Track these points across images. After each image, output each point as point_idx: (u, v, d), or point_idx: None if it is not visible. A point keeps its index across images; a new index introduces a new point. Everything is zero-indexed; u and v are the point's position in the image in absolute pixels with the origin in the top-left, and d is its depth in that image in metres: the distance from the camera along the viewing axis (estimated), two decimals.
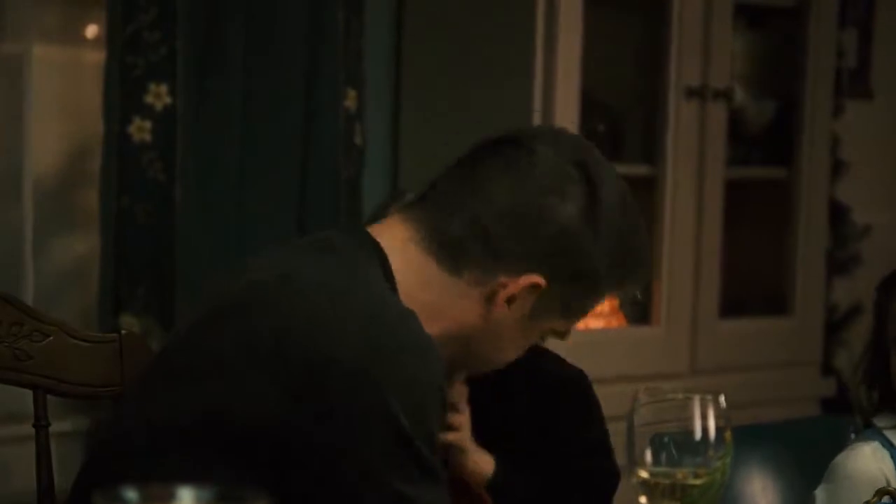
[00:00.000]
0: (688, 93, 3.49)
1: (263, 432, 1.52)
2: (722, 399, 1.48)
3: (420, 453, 1.53)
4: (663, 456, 1.47)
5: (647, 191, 3.48)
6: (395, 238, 1.66)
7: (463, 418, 1.83)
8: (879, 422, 2.05)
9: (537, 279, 1.65)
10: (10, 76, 2.98)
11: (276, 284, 1.60)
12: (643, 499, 1.48)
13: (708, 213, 3.57)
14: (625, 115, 3.61)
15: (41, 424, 1.84)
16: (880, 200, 4.27)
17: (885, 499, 1.69)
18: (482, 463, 1.86)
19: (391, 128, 3.45)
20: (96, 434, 1.68)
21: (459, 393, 1.82)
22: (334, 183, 3.14)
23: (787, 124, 3.82)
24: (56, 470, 1.85)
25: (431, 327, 1.59)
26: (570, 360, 1.96)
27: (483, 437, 1.88)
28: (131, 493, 0.96)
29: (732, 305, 3.71)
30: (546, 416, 1.92)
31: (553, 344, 1.88)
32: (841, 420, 2.29)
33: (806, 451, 2.36)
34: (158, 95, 2.93)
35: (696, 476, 1.47)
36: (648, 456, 1.47)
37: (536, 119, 3.24)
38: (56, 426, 1.90)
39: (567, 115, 3.25)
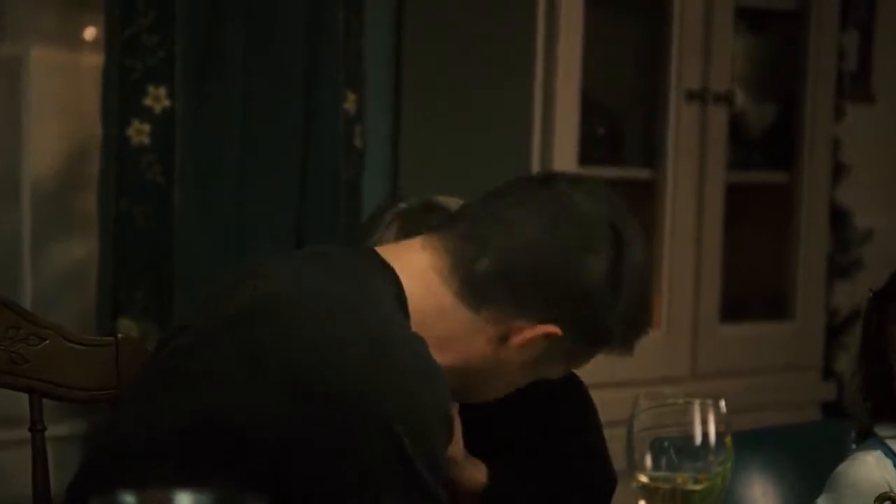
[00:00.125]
0: (688, 95, 3.49)
1: (264, 444, 1.51)
2: (722, 404, 1.47)
3: (421, 475, 1.52)
4: (663, 461, 1.46)
5: (647, 194, 3.47)
6: (414, 263, 1.65)
7: (456, 432, 1.82)
8: (881, 431, 2.05)
9: (555, 330, 1.66)
10: (9, 78, 2.98)
11: (286, 299, 1.59)
12: (642, 503, 1.47)
13: (708, 217, 3.57)
14: (625, 117, 3.60)
15: (37, 428, 1.84)
16: (882, 204, 4.27)
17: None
18: (475, 473, 1.86)
19: (392, 129, 3.45)
20: (93, 438, 1.66)
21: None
22: (334, 185, 3.13)
23: (787, 127, 3.81)
24: (52, 474, 1.84)
25: (439, 356, 1.59)
26: None
27: (479, 443, 1.87)
28: (129, 498, 0.96)
29: (733, 309, 3.71)
30: (542, 420, 1.91)
31: None
32: (842, 424, 2.28)
33: (807, 456, 2.36)
34: (157, 98, 2.93)
35: (697, 481, 1.46)
36: (648, 461, 1.46)
37: (536, 122, 3.23)
38: (52, 430, 1.89)
39: (567, 118, 3.25)
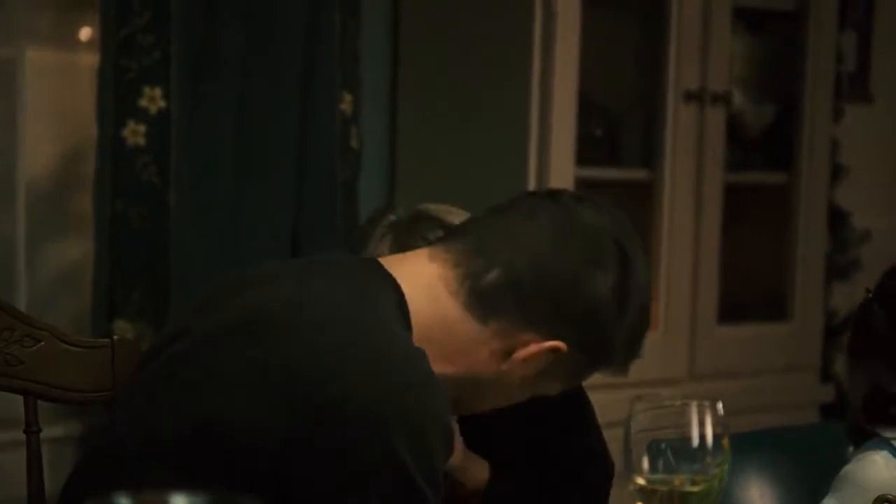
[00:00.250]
0: (686, 96, 3.48)
1: (262, 456, 1.51)
2: (719, 405, 1.47)
3: (421, 490, 1.52)
4: (661, 462, 1.46)
5: (645, 195, 3.47)
6: (421, 274, 1.65)
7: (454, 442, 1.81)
8: (885, 432, 2.04)
9: (560, 345, 1.66)
10: (4, 80, 2.98)
11: (288, 310, 1.58)
12: None
13: (706, 218, 3.56)
14: (623, 118, 3.60)
15: (32, 430, 1.83)
16: (880, 205, 4.26)
17: None
18: (478, 472, 1.85)
19: (388, 130, 3.44)
20: (88, 439, 1.66)
21: None
22: (331, 186, 3.12)
23: (786, 128, 3.81)
24: (47, 476, 1.84)
25: (441, 367, 1.59)
26: None
27: (479, 443, 1.87)
28: (124, 499, 0.95)
29: (731, 310, 3.70)
30: (541, 420, 1.91)
31: None
32: (840, 426, 2.27)
33: (805, 458, 2.35)
34: (152, 99, 2.92)
35: (694, 483, 1.46)
36: (646, 463, 1.46)
37: (534, 123, 3.23)
38: (47, 432, 1.89)
39: (564, 118, 3.24)
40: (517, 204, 1.72)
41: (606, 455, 1.95)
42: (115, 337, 1.88)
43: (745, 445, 2.20)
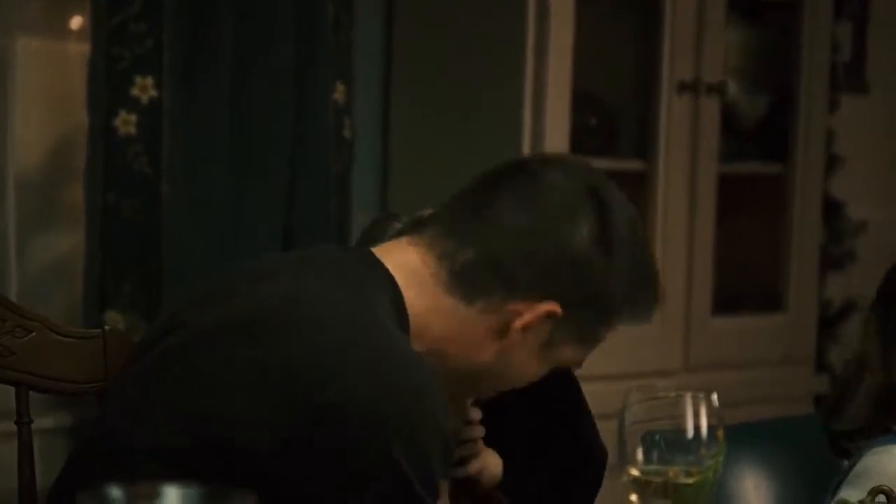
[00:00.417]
0: (680, 87, 3.48)
1: (259, 456, 1.50)
2: (714, 397, 1.46)
3: (417, 495, 1.52)
4: (655, 454, 1.45)
5: (639, 186, 3.46)
6: (404, 263, 1.64)
7: (479, 429, 1.82)
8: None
9: (553, 307, 1.63)
10: None
11: (288, 309, 1.57)
12: (634, 497, 1.46)
13: (701, 209, 3.56)
14: (617, 109, 3.59)
15: (23, 421, 1.82)
16: (875, 196, 4.26)
17: (880, 497, 1.67)
18: (493, 466, 1.85)
19: (381, 122, 3.43)
20: (81, 432, 1.65)
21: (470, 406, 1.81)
22: (324, 177, 3.12)
23: (781, 119, 3.80)
24: (38, 467, 1.83)
25: (445, 357, 1.60)
26: None
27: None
28: (116, 492, 0.94)
29: (726, 302, 3.70)
30: (533, 409, 1.91)
31: None
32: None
33: (799, 449, 2.35)
34: (144, 88, 2.92)
35: (688, 474, 1.45)
36: (640, 454, 1.45)
37: (528, 113, 3.22)
38: (39, 423, 1.88)
39: (558, 110, 3.24)
40: (483, 180, 1.70)
41: (599, 444, 1.95)
42: (107, 328, 1.87)
43: (740, 437, 2.19)
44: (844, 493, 1.98)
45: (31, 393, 1.83)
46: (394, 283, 1.62)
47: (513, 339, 1.64)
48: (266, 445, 1.49)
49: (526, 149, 3.23)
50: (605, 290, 1.66)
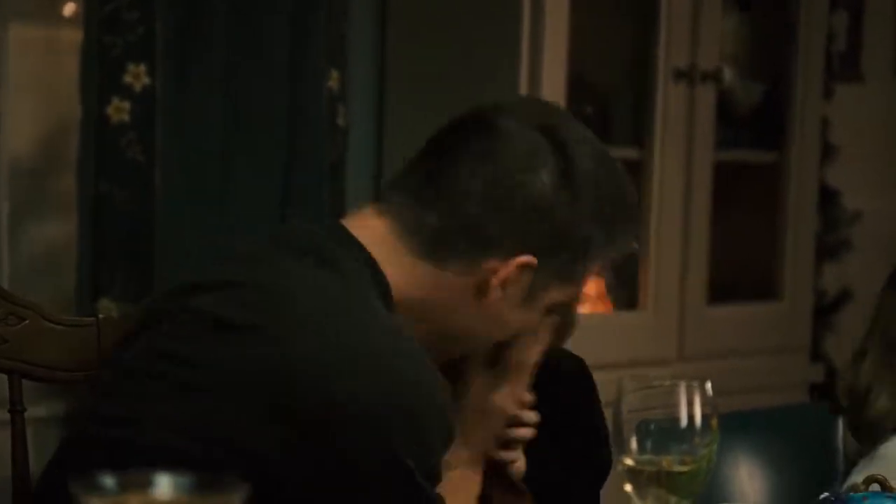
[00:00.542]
0: (676, 74, 3.47)
1: (264, 461, 1.50)
2: (708, 386, 1.46)
3: (420, 485, 1.52)
4: (649, 443, 1.45)
5: (634, 174, 3.44)
6: (377, 233, 1.63)
7: (532, 415, 1.79)
8: None
9: (527, 259, 1.62)
10: None
11: (283, 310, 1.56)
12: (628, 486, 1.46)
13: (696, 197, 3.55)
14: (612, 96, 3.58)
15: (16, 409, 1.82)
16: (871, 185, 4.26)
17: (874, 486, 1.67)
18: (521, 464, 1.84)
19: (375, 110, 3.42)
20: (70, 420, 1.64)
21: (526, 434, 1.80)
22: (318, 164, 3.11)
23: (776, 107, 3.79)
24: (31, 455, 1.82)
25: (433, 323, 1.59)
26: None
27: None
28: (109, 481, 0.95)
29: (721, 291, 3.70)
30: (548, 403, 1.90)
31: None
32: (829, 407, 2.27)
33: (794, 438, 2.35)
34: (137, 76, 2.91)
35: (683, 463, 1.45)
36: (634, 443, 1.45)
37: None
38: (32, 411, 1.87)
39: (554, 97, 3.22)
40: (439, 139, 1.69)
41: (607, 443, 1.94)
42: (100, 316, 1.87)
43: (735, 425, 2.19)
44: (856, 477, 1.98)
45: (24, 381, 1.82)
46: (371, 259, 1.61)
47: (493, 295, 1.63)
48: (267, 446, 1.49)
49: None
50: (576, 231, 1.64)
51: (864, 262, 4.22)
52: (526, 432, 1.78)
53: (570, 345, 1.97)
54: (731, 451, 2.25)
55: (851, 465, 2.11)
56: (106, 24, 2.87)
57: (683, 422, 1.45)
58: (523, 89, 3.21)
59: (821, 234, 4.01)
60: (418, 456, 1.51)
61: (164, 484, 0.96)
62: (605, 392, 1.72)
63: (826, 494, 1.66)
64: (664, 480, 1.45)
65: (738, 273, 3.83)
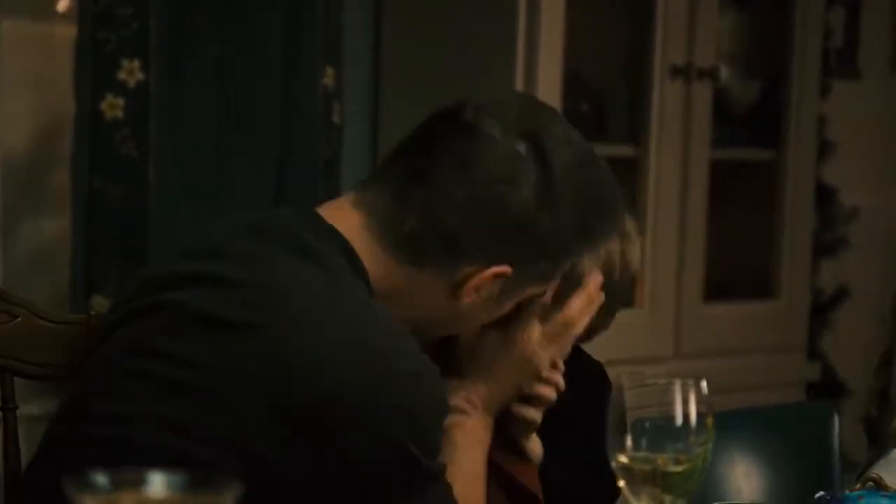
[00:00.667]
0: (672, 71, 3.46)
1: (264, 459, 1.50)
2: (703, 384, 1.45)
3: (425, 466, 1.54)
4: (644, 441, 1.44)
5: (630, 172, 3.45)
6: (352, 227, 1.62)
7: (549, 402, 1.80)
8: None
9: (502, 269, 1.63)
10: None
11: (275, 306, 1.55)
12: (622, 485, 1.45)
13: (692, 195, 3.54)
14: (609, 93, 3.57)
15: (8, 407, 1.82)
16: (868, 182, 4.25)
17: (869, 485, 1.66)
18: (536, 449, 1.85)
19: (371, 107, 3.42)
20: (61, 417, 1.63)
21: (550, 394, 1.80)
22: (313, 162, 3.10)
23: (773, 104, 3.79)
24: (24, 453, 1.81)
25: (403, 313, 1.59)
26: None
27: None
28: (102, 478, 0.95)
29: (717, 289, 3.69)
30: (572, 405, 1.90)
31: None
32: (826, 405, 2.27)
33: (790, 436, 2.34)
34: (131, 72, 2.90)
35: (678, 462, 1.44)
36: (629, 441, 1.44)
37: None
38: (24, 409, 1.87)
39: (550, 94, 3.22)
40: (420, 136, 1.67)
41: None
42: (92, 313, 1.86)
43: (731, 424, 2.19)
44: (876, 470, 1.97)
45: (16, 378, 1.82)
46: (351, 250, 1.60)
47: (466, 298, 1.64)
48: (266, 444, 1.49)
49: None
50: (554, 242, 1.65)
51: (861, 260, 4.21)
52: (550, 392, 1.78)
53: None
54: (727, 450, 2.24)
55: (849, 464, 2.10)
56: (100, 20, 2.87)
57: (679, 420, 1.44)
58: (519, 86, 3.20)
59: (818, 231, 4.00)
60: (422, 443, 1.53)
61: (157, 482, 0.96)
62: None
63: (822, 493, 1.65)
64: (659, 479, 1.44)
65: (735, 271, 3.83)
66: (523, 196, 1.61)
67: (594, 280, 1.75)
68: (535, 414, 1.79)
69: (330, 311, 1.55)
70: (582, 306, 1.74)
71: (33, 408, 2.68)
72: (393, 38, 3.42)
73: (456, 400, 1.68)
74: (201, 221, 2.94)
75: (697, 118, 3.53)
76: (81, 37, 2.88)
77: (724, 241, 3.73)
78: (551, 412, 1.84)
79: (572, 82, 3.33)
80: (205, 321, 1.56)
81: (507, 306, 1.70)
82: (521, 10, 3.21)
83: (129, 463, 1.47)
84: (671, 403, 1.44)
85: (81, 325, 1.83)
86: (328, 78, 3.14)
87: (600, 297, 1.76)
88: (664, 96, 3.47)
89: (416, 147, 1.66)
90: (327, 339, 1.53)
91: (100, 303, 2.87)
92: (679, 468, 1.44)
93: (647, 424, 1.44)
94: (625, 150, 3.47)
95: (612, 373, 1.52)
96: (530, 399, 1.78)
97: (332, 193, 3.15)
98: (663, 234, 3.51)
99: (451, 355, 1.75)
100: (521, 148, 1.61)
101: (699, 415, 1.44)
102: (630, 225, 1.88)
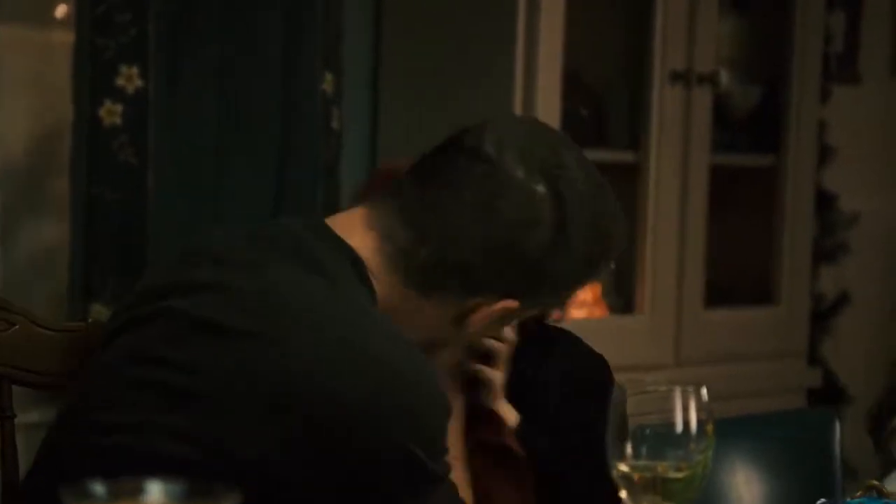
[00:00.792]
0: (672, 77, 3.46)
1: (266, 466, 1.50)
2: (704, 391, 1.45)
3: (432, 469, 1.54)
4: (644, 449, 1.43)
5: (630, 178, 3.45)
6: (364, 247, 1.63)
7: (504, 361, 1.84)
8: None
9: (511, 304, 1.66)
10: None
11: (269, 309, 1.56)
12: (623, 493, 1.44)
13: (692, 201, 3.54)
14: (608, 99, 3.57)
15: (6, 415, 1.81)
16: (868, 187, 4.24)
17: (872, 493, 1.66)
18: (508, 412, 1.87)
19: (370, 113, 3.41)
20: (60, 427, 1.63)
21: (502, 348, 1.85)
22: (312, 168, 3.10)
23: (773, 109, 3.78)
24: (22, 462, 1.81)
25: (405, 332, 1.59)
26: None
27: (512, 404, 1.90)
28: (99, 488, 0.95)
29: (717, 295, 3.68)
30: (572, 394, 1.91)
31: None
32: (827, 412, 2.26)
33: (791, 444, 2.34)
34: (130, 78, 2.89)
35: (678, 469, 1.44)
36: (629, 449, 1.43)
37: (518, 103, 3.19)
38: (22, 417, 1.86)
39: (549, 99, 3.22)
40: (438, 164, 1.67)
41: None
42: (90, 320, 1.86)
43: (732, 431, 2.18)
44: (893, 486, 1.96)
45: (13, 387, 1.81)
46: (362, 266, 1.61)
47: (471, 326, 1.67)
48: (268, 451, 1.49)
49: None
50: (564, 279, 1.68)
51: (861, 266, 4.21)
52: (501, 346, 1.83)
53: None
54: (728, 457, 2.24)
55: (850, 470, 2.10)
56: (98, 26, 2.86)
57: (679, 427, 1.43)
58: (518, 92, 3.20)
59: (818, 237, 4.00)
60: (428, 446, 1.53)
61: (154, 492, 0.96)
62: None
63: (823, 500, 1.65)
64: (660, 487, 1.43)
65: (735, 277, 3.82)
66: (540, 239, 1.63)
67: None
68: (490, 373, 1.81)
69: (330, 316, 1.55)
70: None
71: (31, 416, 2.67)
72: (392, 42, 3.42)
73: None
74: (200, 227, 2.94)
75: (697, 123, 3.52)
76: (80, 43, 2.88)
77: (724, 246, 3.73)
78: (519, 390, 1.85)
79: (572, 87, 3.33)
80: (204, 328, 1.56)
81: (497, 331, 1.75)
82: (521, 15, 3.21)
83: (129, 472, 1.46)
84: (671, 410, 1.44)
85: (80, 332, 1.82)
86: (327, 84, 3.14)
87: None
88: (664, 101, 3.46)
89: (435, 176, 1.66)
90: (327, 341, 1.52)
91: (98, 310, 2.86)
92: (680, 475, 1.43)
93: (648, 431, 1.44)
94: (625, 156, 3.46)
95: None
96: (485, 359, 1.83)
97: (332, 195, 3.14)
98: (663, 239, 3.50)
99: None
100: (541, 189, 1.63)
101: (700, 422, 1.44)
102: None
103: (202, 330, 1.56)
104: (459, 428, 1.82)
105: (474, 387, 1.84)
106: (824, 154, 3.99)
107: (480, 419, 1.87)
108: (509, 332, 1.85)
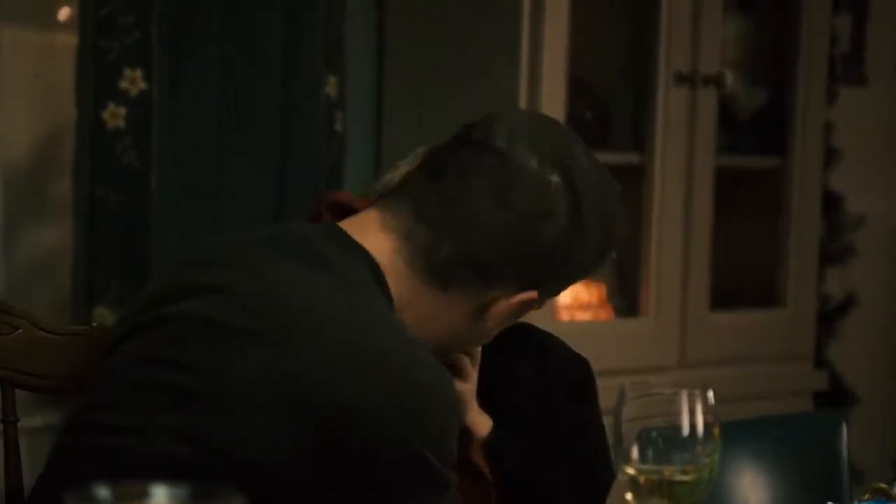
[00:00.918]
0: (677, 78, 3.45)
1: (269, 468, 1.49)
2: (710, 394, 1.44)
3: (437, 470, 1.54)
4: (650, 452, 1.43)
5: (635, 179, 3.44)
6: (381, 246, 1.64)
7: (473, 373, 1.85)
8: None
9: (530, 295, 1.68)
10: None
11: (286, 315, 1.55)
12: (629, 496, 1.44)
13: (698, 202, 3.53)
14: (613, 101, 3.56)
15: (10, 420, 1.81)
16: (875, 189, 4.24)
17: (879, 496, 1.65)
18: (480, 422, 1.86)
19: (374, 116, 3.41)
20: (68, 430, 1.63)
21: (473, 356, 1.85)
22: (315, 170, 3.10)
23: (779, 111, 3.77)
24: (25, 466, 1.80)
25: (422, 332, 1.60)
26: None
27: (485, 404, 1.88)
28: (104, 492, 0.94)
29: (723, 297, 3.68)
30: (548, 394, 1.90)
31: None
32: (833, 414, 2.25)
33: (797, 446, 2.33)
34: (133, 81, 2.89)
35: (684, 472, 1.43)
36: (635, 452, 1.43)
37: (522, 104, 3.19)
38: (25, 421, 1.86)
39: (554, 102, 3.21)
40: (450, 158, 1.68)
41: (603, 442, 1.93)
42: (94, 324, 1.85)
43: (738, 434, 2.17)
44: None
45: (17, 391, 1.81)
46: (378, 269, 1.62)
47: (490, 320, 1.68)
48: (276, 453, 1.49)
49: None
50: (579, 267, 1.72)
51: (868, 268, 4.20)
52: (467, 360, 1.84)
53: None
54: (734, 460, 2.23)
55: (857, 473, 2.09)
56: (101, 29, 2.86)
57: (685, 430, 1.43)
58: (523, 94, 3.19)
59: (824, 239, 3.99)
60: (438, 451, 1.53)
61: (159, 495, 0.95)
62: (605, 399, 1.71)
63: (830, 503, 1.64)
64: (666, 490, 1.43)
65: (741, 279, 3.81)
66: (556, 228, 1.66)
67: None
68: (460, 386, 1.82)
69: (331, 315, 1.55)
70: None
71: (35, 420, 2.68)
72: (396, 44, 3.41)
73: None
74: (202, 229, 2.94)
75: (702, 125, 3.52)
76: (83, 45, 2.88)
77: (729, 248, 3.72)
78: (490, 389, 1.85)
79: (576, 90, 3.32)
80: (209, 329, 1.56)
81: (514, 320, 1.74)
82: (525, 17, 3.20)
83: (136, 475, 1.46)
84: (678, 413, 1.43)
85: (83, 336, 1.82)
86: (331, 87, 3.13)
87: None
88: (669, 103, 3.45)
89: (447, 172, 1.67)
90: (327, 340, 1.52)
91: (101, 314, 2.86)
92: (686, 478, 1.43)
93: (654, 435, 1.43)
94: (629, 158, 3.46)
95: (616, 383, 1.51)
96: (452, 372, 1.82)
97: None
98: (668, 242, 3.49)
99: None
100: (555, 178, 1.66)
101: (706, 425, 1.43)
102: None
103: (203, 330, 1.56)
104: None
105: None
106: (830, 156, 3.99)
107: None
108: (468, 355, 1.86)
